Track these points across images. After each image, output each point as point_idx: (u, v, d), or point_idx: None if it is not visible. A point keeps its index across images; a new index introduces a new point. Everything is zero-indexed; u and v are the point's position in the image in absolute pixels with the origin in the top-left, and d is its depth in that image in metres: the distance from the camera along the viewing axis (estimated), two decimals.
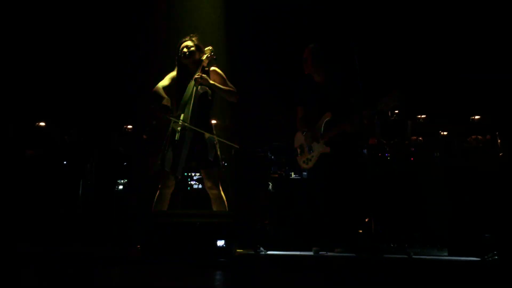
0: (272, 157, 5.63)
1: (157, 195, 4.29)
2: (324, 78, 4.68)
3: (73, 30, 6.87)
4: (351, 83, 4.60)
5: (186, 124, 4.13)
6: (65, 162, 6.05)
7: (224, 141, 4.32)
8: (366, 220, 4.78)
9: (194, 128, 4.13)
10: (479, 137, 5.83)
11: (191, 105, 4.17)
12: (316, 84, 4.71)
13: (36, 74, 6.88)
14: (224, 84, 4.34)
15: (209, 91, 4.29)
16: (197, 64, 4.33)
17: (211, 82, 4.26)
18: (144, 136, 6.10)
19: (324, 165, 4.57)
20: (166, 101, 4.16)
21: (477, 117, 6.45)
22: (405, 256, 4.50)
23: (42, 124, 6.50)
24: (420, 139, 5.97)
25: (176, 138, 4.14)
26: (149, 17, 6.56)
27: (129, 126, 6.50)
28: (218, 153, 4.27)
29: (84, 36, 6.88)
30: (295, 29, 6.63)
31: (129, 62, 6.63)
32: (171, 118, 4.17)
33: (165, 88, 4.30)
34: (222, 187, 4.31)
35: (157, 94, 4.23)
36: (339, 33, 6.04)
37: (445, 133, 6.24)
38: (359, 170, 4.65)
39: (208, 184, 4.28)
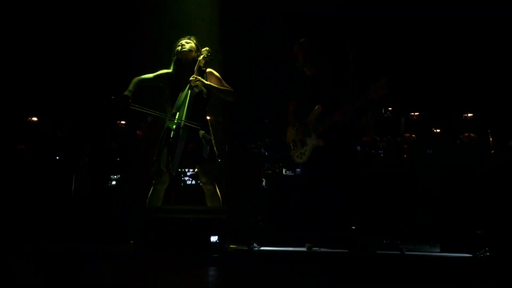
0: (266, 153, 5.63)
1: (151, 191, 4.29)
2: (315, 72, 4.68)
3: (66, 26, 6.83)
4: (342, 76, 4.60)
5: (176, 119, 4.15)
6: (57, 158, 6.02)
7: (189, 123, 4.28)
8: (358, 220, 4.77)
9: (187, 122, 4.14)
10: (472, 134, 5.86)
11: (186, 104, 4.20)
12: (307, 78, 4.71)
13: (28, 69, 6.84)
14: (220, 84, 4.37)
15: (204, 90, 4.31)
16: (193, 63, 4.35)
17: (207, 83, 4.30)
18: (139, 132, 6.09)
19: (318, 159, 4.58)
20: (128, 92, 4.19)
21: (469, 114, 6.49)
22: (398, 252, 4.52)
23: (34, 119, 6.47)
24: (413, 136, 5.99)
25: (171, 136, 4.17)
26: (143, 13, 6.54)
27: (122, 122, 6.49)
28: (214, 149, 4.30)
29: (77, 32, 6.85)
30: (288, 26, 6.64)
31: (123, 58, 6.61)
32: (134, 108, 4.18)
33: (145, 80, 4.35)
34: (217, 183, 4.33)
35: (130, 84, 4.29)
36: (333, 30, 6.06)
37: (438, 130, 6.27)
38: (352, 161, 4.64)
39: (203, 179, 4.30)
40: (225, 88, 4.38)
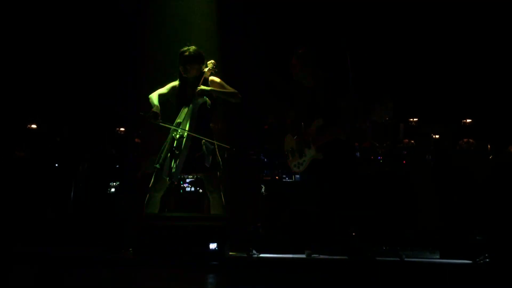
0: (265, 160, 5.63)
1: (147, 198, 4.29)
2: (313, 83, 4.65)
3: (66, 33, 6.84)
4: (340, 86, 4.58)
5: (180, 129, 4.18)
6: (56, 164, 6.02)
7: (220, 144, 4.38)
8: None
9: (191, 133, 4.18)
10: (470, 140, 5.87)
11: (190, 115, 4.23)
12: (305, 89, 4.68)
13: (27, 75, 6.84)
14: (223, 88, 4.41)
15: (208, 101, 4.34)
16: (199, 75, 4.38)
17: (209, 88, 4.34)
18: (137, 140, 6.09)
19: (316, 170, 4.56)
20: (156, 108, 4.27)
21: (468, 120, 6.50)
22: (397, 259, 4.51)
23: (34, 126, 6.47)
24: (412, 142, 5.99)
25: (174, 145, 4.20)
26: (142, 19, 6.55)
27: (121, 129, 6.49)
28: (218, 158, 4.32)
29: (77, 39, 6.86)
30: (288, 33, 6.65)
31: (122, 65, 6.61)
32: (162, 124, 4.24)
33: (161, 95, 4.41)
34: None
35: (150, 101, 4.34)
36: (332, 35, 6.06)
37: (437, 136, 6.27)
38: (351, 176, 4.60)
39: (209, 188, 4.33)
40: (229, 90, 4.41)
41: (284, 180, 5.64)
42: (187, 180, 5.65)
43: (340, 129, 4.40)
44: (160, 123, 4.26)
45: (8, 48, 6.63)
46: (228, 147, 4.39)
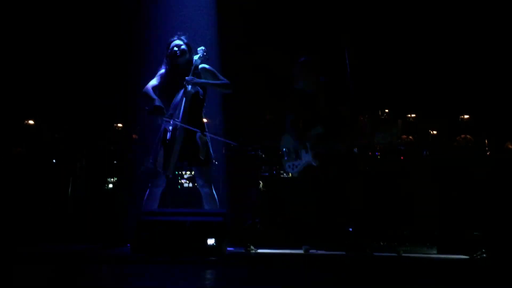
0: (263, 156, 5.63)
1: (147, 193, 4.29)
2: (315, 91, 4.64)
3: (62, 29, 6.82)
4: (341, 93, 4.57)
5: (178, 122, 4.14)
6: (54, 160, 6.01)
7: (220, 138, 4.36)
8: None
9: (187, 126, 4.14)
10: (468, 136, 5.88)
11: (183, 105, 4.19)
12: (306, 95, 4.67)
13: (25, 71, 6.83)
14: (216, 79, 4.34)
15: (200, 90, 4.29)
16: (189, 63, 4.32)
17: (201, 81, 4.27)
18: (134, 136, 6.08)
19: (311, 173, 4.57)
20: (158, 101, 4.17)
21: (466, 116, 6.50)
22: (395, 254, 4.52)
23: (31, 121, 6.46)
24: (410, 138, 6.00)
25: (167, 138, 4.16)
26: (138, 14, 6.53)
27: (119, 125, 6.48)
28: (210, 151, 4.28)
29: (74, 35, 6.84)
30: (287, 28, 6.64)
31: (119, 60, 6.59)
32: (165, 119, 4.16)
33: (154, 87, 4.31)
34: (213, 186, 4.33)
35: (148, 95, 4.24)
36: (331, 32, 6.06)
37: (435, 132, 6.28)
38: (349, 164, 4.59)
39: (200, 182, 4.29)
40: (221, 81, 4.35)
41: (282, 176, 5.65)
42: (185, 176, 5.65)
43: (340, 141, 4.40)
44: (165, 118, 4.16)
45: (6, 44, 6.61)
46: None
